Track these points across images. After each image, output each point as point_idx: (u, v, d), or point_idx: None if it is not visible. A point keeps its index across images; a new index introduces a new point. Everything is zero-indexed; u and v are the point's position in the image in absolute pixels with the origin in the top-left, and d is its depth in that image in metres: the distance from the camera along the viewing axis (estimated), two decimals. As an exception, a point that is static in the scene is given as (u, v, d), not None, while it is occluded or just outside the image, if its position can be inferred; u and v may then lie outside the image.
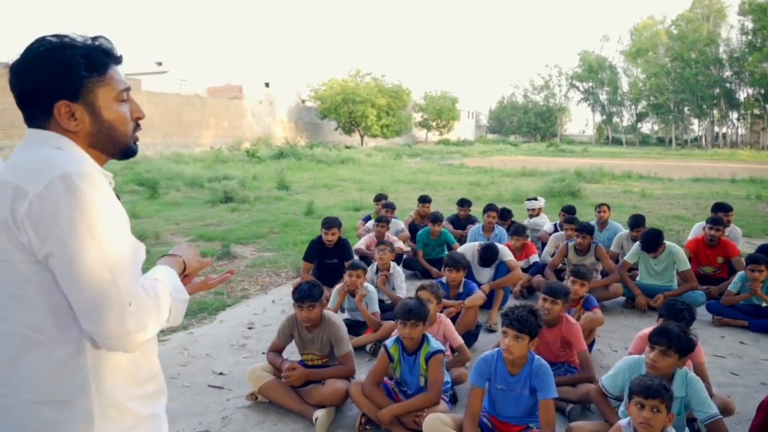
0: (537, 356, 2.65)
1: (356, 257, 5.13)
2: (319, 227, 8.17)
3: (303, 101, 48.72)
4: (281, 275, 5.99)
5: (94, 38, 1.19)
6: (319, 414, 2.84)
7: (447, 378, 2.98)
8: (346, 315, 4.20)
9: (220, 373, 3.54)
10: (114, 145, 1.23)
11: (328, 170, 23.37)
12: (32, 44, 1.15)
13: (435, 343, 2.89)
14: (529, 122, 70.17)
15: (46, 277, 1.05)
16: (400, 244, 5.67)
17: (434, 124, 59.64)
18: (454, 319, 3.88)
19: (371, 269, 4.73)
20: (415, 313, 2.79)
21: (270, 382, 3.04)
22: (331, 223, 5.07)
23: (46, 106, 1.13)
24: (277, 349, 3.21)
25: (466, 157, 34.21)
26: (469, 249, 4.88)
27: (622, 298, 5.11)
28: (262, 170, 20.89)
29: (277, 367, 3.08)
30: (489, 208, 5.98)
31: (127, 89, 1.23)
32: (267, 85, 45.16)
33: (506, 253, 4.77)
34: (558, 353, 3.29)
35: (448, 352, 3.41)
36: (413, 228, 6.66)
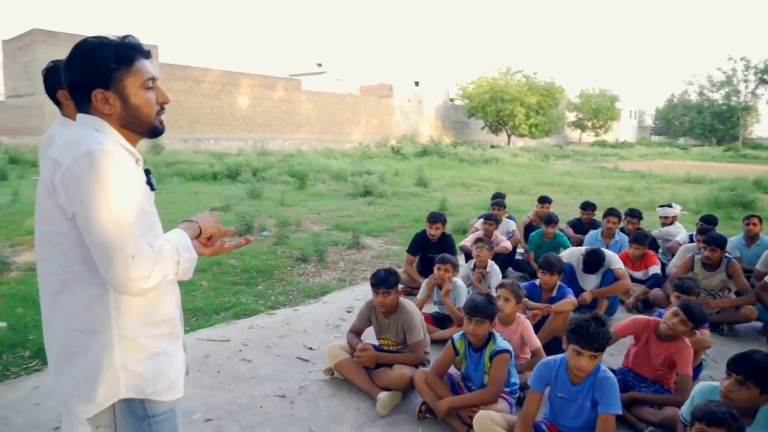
0: (603, 367, 2.48)
1: (460, 253, 5.13)
2: (451, 224, 8.41)
3: (451, 100, 48.91)
4: (402, 267, 6.24)
5: (124, 37, 1.45)
6: (382, 395, 2.97)
7: (515, 379, 2.91)
8: (436, 308, 4.27)
9: (310, 348, 3.84)
10: (141, 125, 1.47)
11: (470, 169, 23.24)
12: (76, 45, 1.43)
13: (502, 343, 2.84)
14: (704, 123, 62.03)
15: (78, 231, 1.31)
16: (505, 244, 5.53)
17: (590, 124, 55.92)
18: (542, 323, 3.75)
19: (468, 265, 4.72)
20: (481, 309, 2.78)
21: (344, 360, 3.24)
22: (435, 218, 5.15)
23: (86, 95, 1.40)
24: (356, 331, 3.40)
25: (623, 161, 31.57)
26: (574, 253, 4.62)
27: (758, 323, 4.45)
28: (404, 167, 21.50)
29: (353, 347, 3.27)
30: (610, 212, 5.56)
31: (153, 78, 1.47)
32: (416, 83, 46.13)
33: (615, 261, 4.42)
34: (657, 371, 3.01)
35: (527, 355, 3.31)
36: (530, 229, 6.45)
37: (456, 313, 3.89)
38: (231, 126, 34.81)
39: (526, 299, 3.80)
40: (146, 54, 1.47)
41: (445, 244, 5.13)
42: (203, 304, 4.83)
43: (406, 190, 14.41)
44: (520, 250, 6.33)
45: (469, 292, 4.25)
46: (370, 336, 3.51)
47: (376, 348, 3.35)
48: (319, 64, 49.26)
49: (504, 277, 5.69)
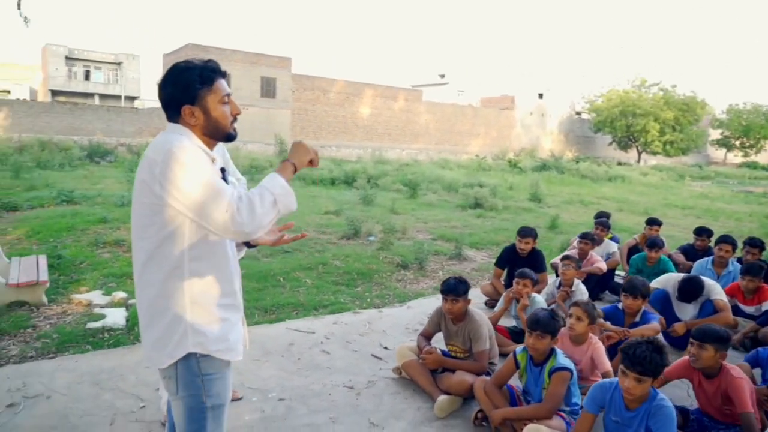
0: (661, 395, 2.37)
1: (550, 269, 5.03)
2: (559, 242, 8.21)
3: (577, 113, 46.69)
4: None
5: (207, 61, 1.75)
6: (441, 398, 3.07)
7: (577, 399, 2.86)
8: (514, 322, 4.25)
9: (385, 347, 4.04)
10: (219, 133, 1.77)
11: (591, 187, 22.09)
12: (169, 69, 1.75)
13: (563, 360, 2.81)
14: None
15: (166, 213, 1.61)
16: (600, 265, 5.29)
17: (738, 143, 50.19)
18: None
19: (554, 283, 4.62)
20: (542, 324, 2.78)
21: (411, 361, 3.39)
22: (526, 232, 5.10)
23: (176, 109, 1.72)
24: (426, 335, 3.54)
25: (777, 186, 27.98)
26: (670, 279, 4.32)
27: None
28: (520, 181, 21.05)
29: (421, 350, 3.41)
30: (722, 239, 5.09)
31: (228, 94, 1.76)
32: (540, 96, 44.74)
33: (716, 291, 4.07)
34: (721, 409, 2.78)
35: (598, 378, 3.21)
36: (635, 252, 6.09)
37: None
38: (352, 134, 36.36)
39: (603, 321, 3.66)
40: (223, 74, 1.78)
41: (535, 259, 5.06)
42: (305, 300, 5.21)
43: (518, 205, 14.13)
44: (621, 272, 6.00)
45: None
46: (441, 341, 3.62)
47: (444, 353, 3.45)
48: (442, 76, 49.74)
49: (600, 300, 5.47)
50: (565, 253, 5.64)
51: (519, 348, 3.01)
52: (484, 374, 3.22)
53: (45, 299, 4.81)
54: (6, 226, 8.27)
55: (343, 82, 35.78)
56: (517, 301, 4.04)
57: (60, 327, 4.24)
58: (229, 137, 1.80)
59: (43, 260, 5.27)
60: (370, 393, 3.32)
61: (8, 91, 39.46)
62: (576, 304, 3.24)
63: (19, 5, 13.40)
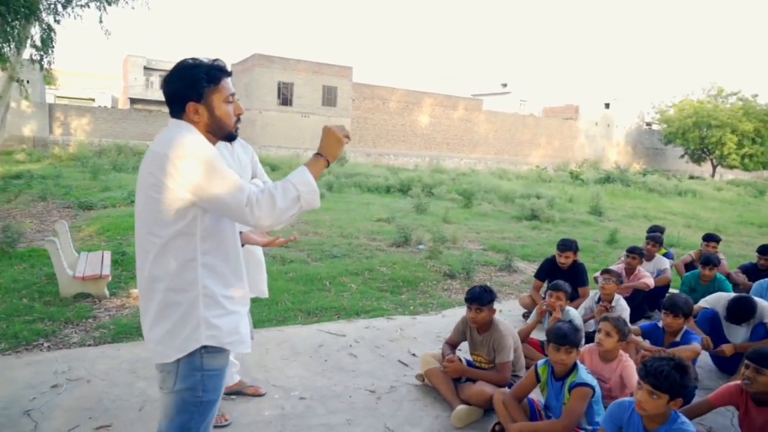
0: (683, 418, 2.22)
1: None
2: (617, 257, 7.90)
3: (648, 124, 44.65)
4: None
5: (214, 60, 1.76)
6: (459, 408, 3.02)
7: (599, 419, 2.72)
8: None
9: (413, 354, 4.02)
10: (222, 131, 1.79)
11: (658, 201, 21.07)
12: (176, 64, 1.75)
13: (585, 375, 2.70)
14: None
15: (178, 207, 1.62)
16: (647, 281, 5.03)
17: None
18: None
19: (593, 297, 4.45)
20: (560, 335, 2.69)
21: (434, 369, 3.36)
22: (566, 245, 4.94)
23: (181, 105, 1.72)
24: (451, 343, 3.50)
25: None
26: (720, 299, 4.04)
27: None
28: (580, 193, 20.39)
29: (444, 358, 3.37)
30: (786, 258, 4.72)
31: (233, 94, 1.78)
32: (607, 106, 43.18)
33: (769, 314, 3.78)
34: None
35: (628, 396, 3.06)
36: (691, 269, 5.76)
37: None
38: (411, 143, 36.49)
39: (640, 339, 3.49)
40: (229, 73, 1.79)
41: (576, 273, 4.89)
42: (348, 305, 5.26)
43: (577, 218, 13.67)
44: (674, 290, 5.67)
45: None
46: (467, 351, 3.57)
47: (468, 363, 3.40)
48: (504, 85, 49.03)
49: (648, 318, 5.20)
50: (612, 267, 5.43)
51: (540, 361, 2.92)
52: (507, 386, 3.15)
53: (107, 292, 5.12)
54: (81, 223, 8.92)
55: (403, 91, 36.02)
56: (550, 314, 3.92)
57: (117, 319, 4.51)
58: (231, 137, 1.83)
59: (107, 256, 5.63)
60: (391, 398, 3.32)
61: (93, 99, 42.45)
62: (605, 318, 3.11)
63: (101, 20, 14.46)
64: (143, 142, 27.27)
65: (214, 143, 1.79)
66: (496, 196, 17.57)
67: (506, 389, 3.08)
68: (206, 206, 1.65)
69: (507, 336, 3.22)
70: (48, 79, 16.29)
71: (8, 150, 22.75)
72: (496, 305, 3.36)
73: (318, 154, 1.80)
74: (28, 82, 18.20)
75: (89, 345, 3.96)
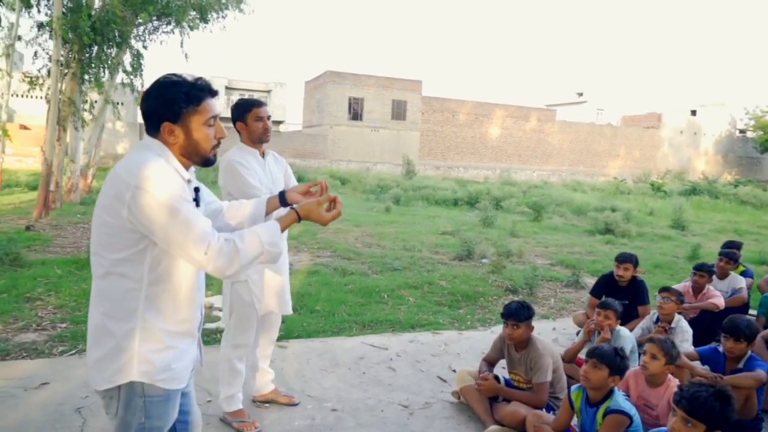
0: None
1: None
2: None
3: (741, 131, 41.43)
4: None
5: (197, 78, 1.65)
6: (491, 428, 2.91)
7: (641, 449, 2.53)
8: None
9: (454, 370, 3.92)
10: (197, 156, 1.68)
11: (752, 214, 19.48)
12: (156, 80, 1.65)
13: (622, 402, 2.51)
14: None
15: (129, 236, 1.56)
16: (716, 301, 4.60)
17: None
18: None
19: (651, 317, 4.14)
20: (597, 354, 2.53)
21: (469, 386, 3.25)
22: (625, 257, 4.64)
23: (156, 124, 1.62)
24: (489, 360, 3.38)
25: None
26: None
27: None
28: (662, 205, 19.24)
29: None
30: None
31: (215, 116, 1.67)
32: (693, 113, 40.49)
33: None
34: None
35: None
36: (773, 290, 5.23)
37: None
38: (481, 155, 36.04)
39: (694, 364, 3.20)
40: (214, 93, 1.69)
41: (635, 290, 4.58)
42: (404, 318, 5.20)
43: (657, 232, 12.90)
44: (754, 312, 5.17)
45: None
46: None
47: (507, 382, 3.28)
48: (580, 94, 47.34)
49: (716, 342, 4.77)
50: (678, 285, 5.05)
51: (574, 387, 2.76)
52: (545, 408, 3.00)
53: None
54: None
55: (473, 103, 35.71)
56: (599, 333, 3.69)
57: None
58: (207, 162, 1.70)
59: None
60: (424, 414, 3.26)
61: (180, 119, 45.54)
62: (651, 340, 2.89)
63: (181, 44, 15.46)
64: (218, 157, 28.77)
65: (187, 167, 1.70)
66: (569, 209, 16.92)
67: (542, 411, 2.93)
68: (161, 245, 1.57)
69: (545, 355, 3.07)
70: (138, 100, 17.63)
71: (104, 167, 24.79)
72: (550, 324, 3.21)
73: (294, 210, 1.84)
74: (121, 104, 19.79)
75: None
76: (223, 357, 3.02)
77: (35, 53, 13.13)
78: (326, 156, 32.16)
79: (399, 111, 33.82)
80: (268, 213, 2.07)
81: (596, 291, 4.84)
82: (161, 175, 1.55)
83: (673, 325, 3.90)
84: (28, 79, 13.66)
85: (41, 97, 13.20)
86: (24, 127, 25.00)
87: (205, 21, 13.95)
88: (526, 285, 6.57)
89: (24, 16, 13.10)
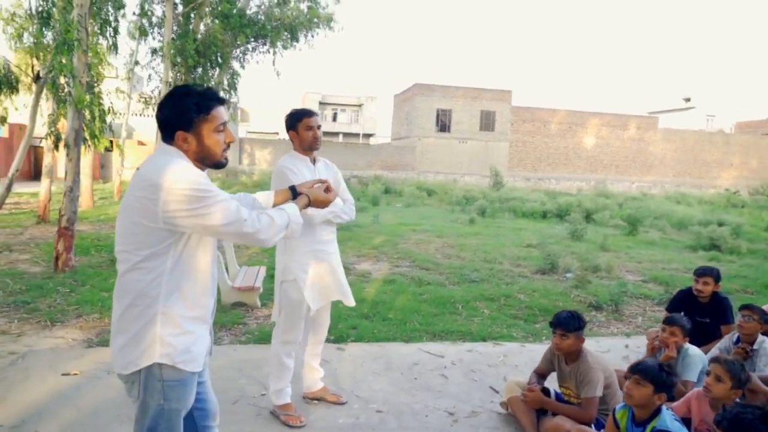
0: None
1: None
2: None
3: None
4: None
5: (206, 89, 1.81)
6: (532, 441, 2.81)
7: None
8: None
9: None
10: (209, 160, 1.82)
11: None
12: (170, 91, 1.83)
13: (670, 422, 2.33)
14: None
15: (159, 233, 1.69)
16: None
17: None
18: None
19: (730, 337, 3.77)
20: (641, 369, 2.38)
21: (516, 397, 3.16)
22: (704, 270, 4.26)
23: (171, 132, 1.77)
24: (539, 372, 3.27)
25: None
26: None
27: None
28: (782, 220, 17.34)
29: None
30: None
31: (224, 123, 1.81)
32: (824, 117, 36.10)
33: None
34: None
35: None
36: None
37: (678, 386, 3.22)
38: (574, 166, 34.58)
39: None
40: (222, 101, 1.82)
41: (717, 307, 4.19)
42: (476, 330, 5.12)
43: (773, 248, 11.64)
44: None
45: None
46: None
47: (557, 396, 3.15)
48: (687, 99, 43.97)
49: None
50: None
51: (619, 405, 2.60)
52: (593, 425, 2.85)
53: (258, 303, 5.70)
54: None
55: (565, 112, 34.40)
56: (664, 351, 3.43)
57: (262, 326, 4.97)
58: (219, 165, 1.85)
59: (263, 270, 6.31)
60: (468, 423, 3.22)
61: (277, 133, 48.06)
62: (716, 360, 2.65)
63: (273, 62, 16.49)
64: (313, 169, 29.97)
65: (202, 170, 1.83)
66: (669, 222, 15.74)
67: (589, 428, 2.79)
68: (201, 232, 1.74)
69: (595, 369, 2.92)
70: (234, 116, 18.93)
71: (207, 178, 26.80)
72: (622, 341, 3.06)
73: (305, 194, 2.14)
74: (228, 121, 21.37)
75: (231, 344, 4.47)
76: (272, 353, 3.18)
77: (149, 76, 14.56)
78: (414, 167, 32.42)
79: (487, 122, 33.38)
80: (277, 204, 2.21)
81: (673, 306, 4.48)
82: (186, 171, 1.70)
83: (755, 346, 3.53)
84: (143, 100, 15.14)
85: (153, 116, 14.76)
86: (141, 143, 27.71)
87: (296, 40, 14.72)
88: (611, 301, 6.23)
89: (141, 43, 14.58)
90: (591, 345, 4.70)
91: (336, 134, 48.02)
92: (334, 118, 49.44)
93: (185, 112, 1.74)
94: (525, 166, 33.95)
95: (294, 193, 2.22)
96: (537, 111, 34.31)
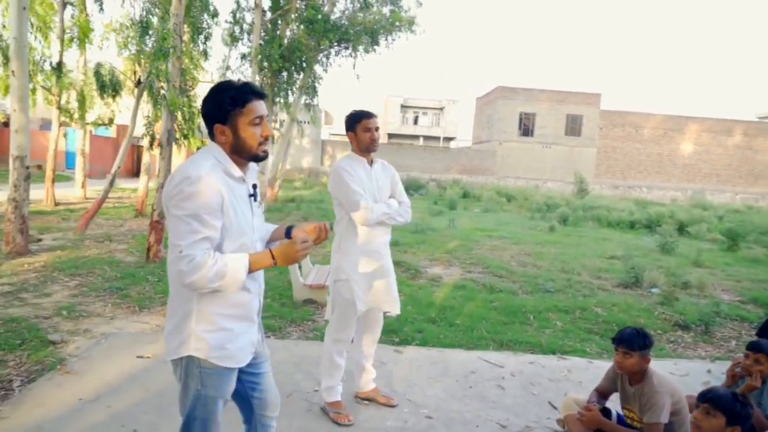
0: None
1: None
2: None
3: None
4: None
5: (244, 83, 1.84)
6: (587, 464, 2.64)
7: None
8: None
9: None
10: (245, 153, 1.85)
11: None
12: (210, 89, 1.86)
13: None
14: None
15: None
16: None
17: None
18: None
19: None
20: (713, 399, 2.16)
21: (573, 415, 2.98)
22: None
23: (210, 126, 1.84)
24: (600, 390, 3.07)
25: None
26: None
27: None
28: None
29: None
30: None
31: (260, 116, 1.83)
32: None
33: None
34: None
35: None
36: None
37: (760, 418, 2.91)
38: (668, 174, 32.38)
39: None
40: (259, 96, 1.85)
41: (818, 335, 3.75)
42: (546, 342, 4.91)
43: None
44: None
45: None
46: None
47: (619, 418, 2.95)
48: (805, 104, 39.67)
49: None
50: None
51: None
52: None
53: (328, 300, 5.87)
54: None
55: (661, 117, 32.26)
56: (745, 380, 3.11)
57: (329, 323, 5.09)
58: (256, 158, 1.88)
59: None
60: (520, 438, 3.10)
61: (358, 135, 49.23)
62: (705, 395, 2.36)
63: (354, 66, 16.85)
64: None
65: (240, 165, 1.88)
66: (782, 236, 14.31)
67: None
68: None
69: (661, 393, 2.70)
70: (314, 119, 19.52)
71: (289, 179, 27.88)
72: (704, 365, 2.83)
73: (269, 252, 1.84)
74: (307, 122, 22.09)
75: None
76: (324, 350, 3.24)
77: (238, 80, 15.45)
78: (494, 172, 31.77)
79: (574, 126, 32.04)
80: (272, 240, 2.12)
81: (764, 332, 4.06)
82: (195, 180, 1.72)
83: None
84: (230, 103, 16.12)
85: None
86: (231, 143, 29.23)
87: (377, 43, 14.95)
88: (700, 321, 5.74)
89: (233, 48, 15.44)
90: (668, 366, 4.41)
91: (417, 137, 48.17)
92: (416, 121, 49.63)
93: (221, 106, 1.81)
94: (613, 173, 32.23)
95: (287, 234, 2.07)
96: (628, 115, 32.45)
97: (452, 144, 46.79)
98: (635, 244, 11.89)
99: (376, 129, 3.16)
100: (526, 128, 32.12)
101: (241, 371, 2.00)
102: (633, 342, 2.79)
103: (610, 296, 6.84)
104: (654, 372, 2.82)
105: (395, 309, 3.27)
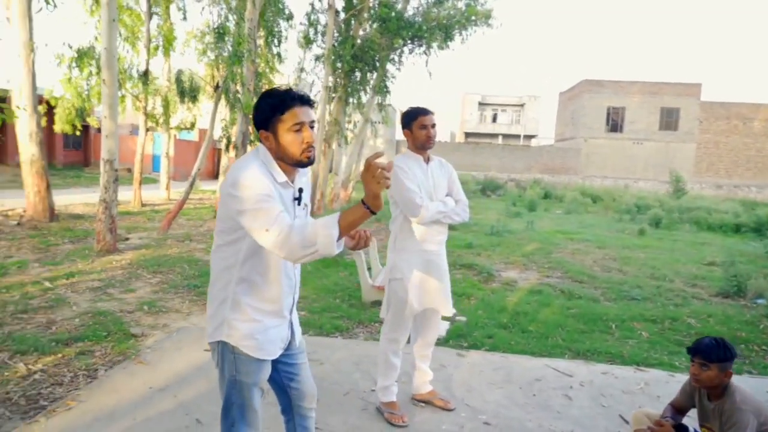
0: None
1: None
2: None
3: None
4: None
5: (287, 90, 1.88)
6: (658, 487, 2.38)
7: None
8: None
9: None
10: (288, 158, 1.88)
11: None
12: (260, 95, 1.95)
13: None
14: None
15: (230, 225, 1.84)
16: None
17: None
18: None
19: None
20: (711, 355, 1.93)
21: (643, 430, 2.74)
22: None
23: (257, 131, 1.92)
24: (675, 405, 2.77)
25: None
26: None
27: None
28: None
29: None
30: None
31: (301, 123, 1.84)
32: None
33: None
34: None
35: None
36: None
37: None
38: (781, 171, 29.31)
39: None
40: (304, 102, 1.87)
41: None
42: (628, 353, 4.58)
43: None
44: None
45: None
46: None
47: (697, 436, 2.66)
48: None
49: None
50: None
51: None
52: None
53: None
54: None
55: (773, 107, 29.29)
56: None
57: None
58: (300, 163, 1.90)
59: None
60: (580, 454, 2.87)
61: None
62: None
63: (426, 63, 16.72)
64: (468, 172, 29.76)
65: (287, 170, 1.92)
66: None
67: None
68: (249, 234, 1.81)
69: (745, 411, 2.39)
70: (386, 119, 19.57)
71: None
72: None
73: (361, 201, 1.74)
74: (380, 122, 22.23)
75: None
76: (380, 350, 3.20)
77: (312, 82, 15.71)
78: (578, 171, 30.32)
79: (669, 120, 29.84)
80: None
81: None
82: (247, 173, 1.80)
83: None
84: (306, 105, 16.67)
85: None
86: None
87: (450, 39, 14.65)
88: (813, 338, 5.12)
89: (308, 50, 15.83)
90: (761, 384, 3.94)
91: (495, 135, 47.00)
92: (494, 119, 48.42)
93: (263, 112, 1.88)
94: (716, 170, 29.69)
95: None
96: (734, 106, 29.75)
97: (533, 142, 45.21)
98: (739, 250, 10.82)
99: (433, 126, 3.09)
100: (614, 123, 30.35)
101: (276, 361, 2.07)
102: (711, 353, 2.49)
103: (706, 306, 6.25)
104: (737, 388, 2.51)
105: (448, 310, 3.17)
